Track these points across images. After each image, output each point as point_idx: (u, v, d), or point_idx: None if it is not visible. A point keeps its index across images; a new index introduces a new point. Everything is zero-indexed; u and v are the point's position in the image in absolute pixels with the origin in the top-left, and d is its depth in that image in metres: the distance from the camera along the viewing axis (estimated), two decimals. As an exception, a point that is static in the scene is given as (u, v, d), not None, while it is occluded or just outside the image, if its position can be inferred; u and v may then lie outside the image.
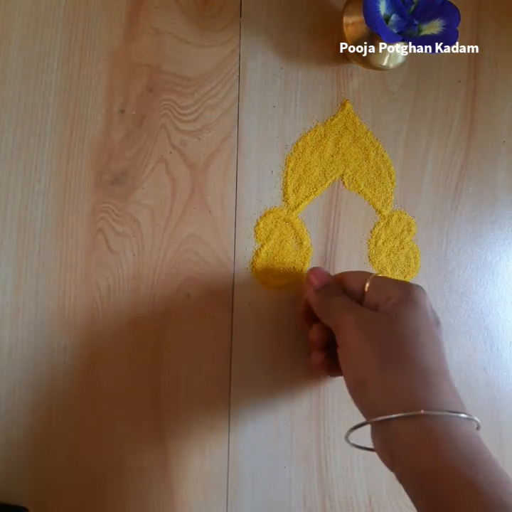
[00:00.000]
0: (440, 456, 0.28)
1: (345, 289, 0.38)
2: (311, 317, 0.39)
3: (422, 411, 0.29)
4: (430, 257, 0.46)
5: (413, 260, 0.45)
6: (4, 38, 0.39)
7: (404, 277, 0.45)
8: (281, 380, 0.42)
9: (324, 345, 0.38)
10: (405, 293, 0.34)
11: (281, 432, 0.42)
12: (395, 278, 0.44)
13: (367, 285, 0.36)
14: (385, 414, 0.30)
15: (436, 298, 0.45)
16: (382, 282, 0.36)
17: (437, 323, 0.35)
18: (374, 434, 0.32)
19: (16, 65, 0.39)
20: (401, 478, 0.30)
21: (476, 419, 0.30)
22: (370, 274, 0.37)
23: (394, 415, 0.29)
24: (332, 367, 0.38)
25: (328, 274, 0.39)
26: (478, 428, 0.31)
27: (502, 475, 0.28)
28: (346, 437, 0.34)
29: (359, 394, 0.33)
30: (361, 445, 0.34)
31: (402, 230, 0.45)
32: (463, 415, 0.29)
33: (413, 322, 0.33)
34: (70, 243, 0.39)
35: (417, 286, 0.35)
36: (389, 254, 0.45)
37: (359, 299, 0.36)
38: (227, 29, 0.42)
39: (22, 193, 0.39)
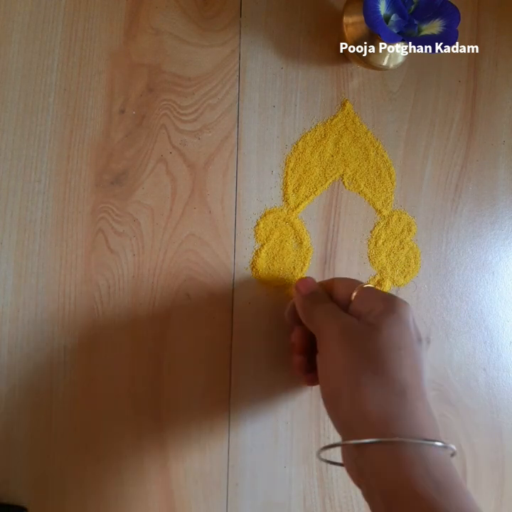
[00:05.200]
0: (409, 479, 0.27)
1: (333, 296, 0.37)
2: (295, 320, 0.39)
3: (396, 438, 0.28)
4: (430, 257, 0.46)
5: (413, 260, 0.45)
6: (4, 38, 0.39)
7: (404, 277, 0.45)
8: (281, 380, 0.42)
9: (304, 349, 0.38)
10: (389, 306, 0.33)
11: (281, 432, 0.42)
12: (394, 279, 0.44)
13: (354, 294, 0.35)
14: (357, 432, 0.30)
15: (436, 298, 0.45)
16: (369, 293, 0.35)
17: (420, 339, 0.34)
18: (344, 451, 0.32)
19: (16, 65, 0.39)
20: (367, 496, 0.30)
21: (452, 446, 0.30)
22: (359, 283, 0.37)
23: (367, 440, 0.29)
24: (311, 373, 0.38)
25: (316, 283, 0.39)
26: (453, 455, 0.30)
27: (471, 504, 0.27)
28: (318, 454, 0.34)
29: (333, 407, 0.32)
30: (331, 460, 0.34)
31: (402, 230, 0.45)
32: (438, 443, 0.29)
33: (395, 335, 0.32)
34: (70, 243, 0.39)
35: (402, 300, 0.34)
36: (389, 254, 0.45)
37: (345, 307, 0.36)
38: (227, 29, 0.42)
39: (22, 193, 0.39)
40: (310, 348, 0.38)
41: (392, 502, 0.27)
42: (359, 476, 0.30)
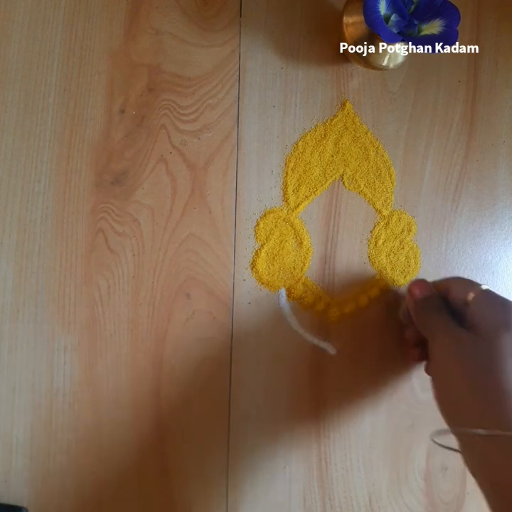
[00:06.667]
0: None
1: (448, 298, 0.39)
2: (409, 320, 0.41)
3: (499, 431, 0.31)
4: (430, 257, 0.46)
5: (413, 260, 0.45)
6: (4, 38, 0.39)
7: (405, 277, 0.45)
8: (281, 379, 0.42)
9: (417, 343, 0.41)
10: (505, 314, 0.35)
11: (281, 432, 0.42)
12: (394, 279, 0.44)
13: (470, 297, 0.37)
14: (460, 425, 0.33)
15: (436, 298, 0.45)
16: (487, 301, 0.37)
17: None
18: (459, 445, 0.35)
19: (16, 65, 0.39)
20: (480, 487, 0.33)
21: None
22: (476, 285, 0.38)
23: (472, 430, 0.32)
24: (421, 359, 0.42)
25: (431, 286, 0.40)
26: None
27: None
28: (432, 437, 0.36)
29: (444, 408, 0.36)
30: (447, 446, 0.36)
31: (402, 230, 0.45)
32: None
33: (504, 345, 0.34)
34: (70, 243, 0.39)
35: None
36: (389, 254, 0.45)
37: (461, 309, 0.38)
38: (227, 29, 0.42)
39: (22, 193, 0.39)
40: (422, 341, 0.41)
41: (505, 493, 0.31)
42: (472, 469, 0.33)
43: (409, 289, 0.41)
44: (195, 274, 0.41)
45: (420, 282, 0.40)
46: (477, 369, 0.33)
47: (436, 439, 0.36)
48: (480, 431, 0.32)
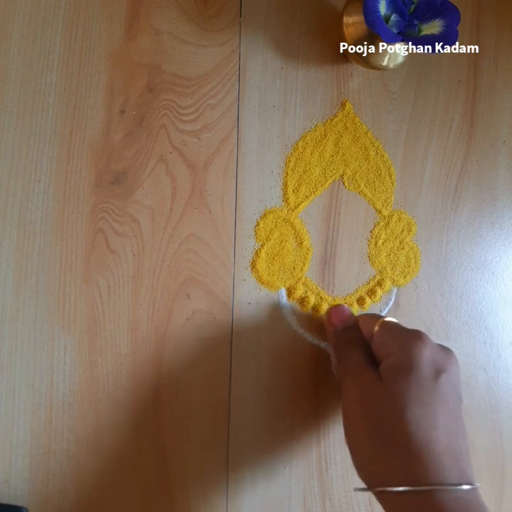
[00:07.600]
0: None
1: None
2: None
3: (401, 488, 0.29)
4: (430, 257, 0.46)
5: (413, 260, 0.45)
6: (4, 38, 0.39)
7: (404, 277, 0.45)
8: (282, 379, 0.42)
9: None
10: (402, 351, 0.33)
11: (281, 431, 0.42)
12: (394, 279, 0.44)
13: (375, 330, 0.35)
14: (370, 484, 0.32)
15: (436, 298, 0.45)
16: (386, 333, 0.35)
17: (438, 372, 0.33)
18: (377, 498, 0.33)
19: (16, 65, 0.39)
20: None
21: (464, 487, 0.29)
22: (380, 317, 0.36)
23: (378, 489, 0.31)
24: None
25: (351, 314, 0.39)
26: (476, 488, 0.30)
27: None
28: (355, 490, 0.35)
29: (352, 456, 0.34)
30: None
31: (402, 230, 0.45)
32: (447, 487, 0.29)
33: (404, 391, 0.32)
34: (70, 243, 0.39)
35: (417, 339, 0.33)
36: (389, 254, 0.45)
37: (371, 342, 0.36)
38: (227, 29, 0.42)
39: (22, 193, 0.39)
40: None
41: None
42: None
43: (329, 317, 0.38)
44: (195, 274, 0.41)
45: (340, 309, 0.38)
46: (376, 416, 0.32)
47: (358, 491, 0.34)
48: (389, 489, 0.30)
